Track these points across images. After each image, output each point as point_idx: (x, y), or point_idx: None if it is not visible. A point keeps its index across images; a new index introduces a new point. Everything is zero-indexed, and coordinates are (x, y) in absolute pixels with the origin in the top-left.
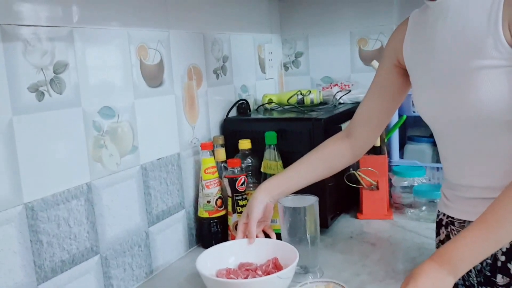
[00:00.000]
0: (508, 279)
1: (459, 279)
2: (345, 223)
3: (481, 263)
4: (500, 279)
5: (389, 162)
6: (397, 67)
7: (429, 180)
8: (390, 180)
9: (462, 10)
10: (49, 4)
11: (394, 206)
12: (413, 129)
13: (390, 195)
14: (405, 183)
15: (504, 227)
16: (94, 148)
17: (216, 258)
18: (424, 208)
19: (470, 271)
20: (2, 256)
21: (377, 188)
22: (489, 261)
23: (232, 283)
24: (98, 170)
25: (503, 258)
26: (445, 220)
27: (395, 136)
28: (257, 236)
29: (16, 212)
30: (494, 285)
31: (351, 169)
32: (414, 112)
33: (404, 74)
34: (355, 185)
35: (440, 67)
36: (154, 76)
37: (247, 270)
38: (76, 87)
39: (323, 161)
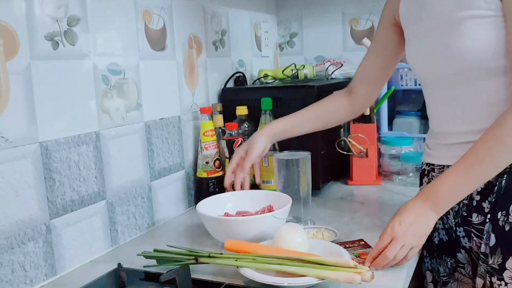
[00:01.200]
0: (482, 217)
1: (439, 223)
2: (335, 188)
3: (458, 204)
4: (475, 218)
5: (378, 134)
6: (394, 25)
7: (417, 150)
8: (379, 150)
9: None
10: None
11: (383, 174)
12: (401, 105)
13: (379, 165)
14: (393, 151)
15: (484, 163)
16: (102, 100)
17: (215, 205)
18: (411, 174)
19: (448, 213)
20: (19, 188)
21: (366, 155)
22: (465, 201)
23: (231, 220)
24: (106, 121)
25: (478, 197)
26: (427, 169)
27: (384, 109)
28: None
29: (32, 149)
30: (470, 225)
31: (342, 136)
32: (402, 85)
33: (401, 32)
34: (345, 153)
35: (431, 19)
36: (157, 40)
37: (244, 216)
38: (86, 41)
39: (325, 113)
